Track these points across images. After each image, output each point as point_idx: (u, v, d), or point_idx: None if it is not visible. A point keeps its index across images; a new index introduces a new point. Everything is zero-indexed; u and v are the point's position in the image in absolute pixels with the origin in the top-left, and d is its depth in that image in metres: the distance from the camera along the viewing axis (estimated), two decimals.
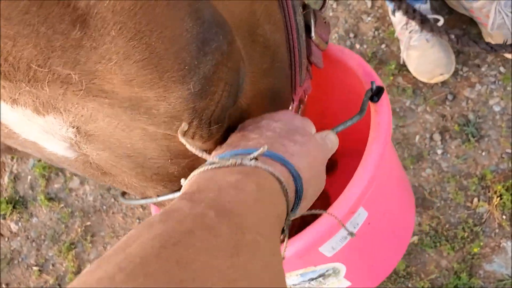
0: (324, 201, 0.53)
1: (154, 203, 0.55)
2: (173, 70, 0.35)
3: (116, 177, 0.50)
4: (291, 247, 0.56)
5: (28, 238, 1.52)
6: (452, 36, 1.14)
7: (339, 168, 0.82)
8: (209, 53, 0.37)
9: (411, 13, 1.14)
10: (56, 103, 0.37)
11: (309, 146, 0.46)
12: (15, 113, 0.38)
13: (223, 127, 0.44)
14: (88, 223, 1.49)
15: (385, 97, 0.62)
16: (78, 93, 0.35)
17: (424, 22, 1.13)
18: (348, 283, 0.69)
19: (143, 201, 0.55)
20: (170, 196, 0.52)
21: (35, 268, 1.49)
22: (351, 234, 0.53)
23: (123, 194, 0.63)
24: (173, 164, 0.48)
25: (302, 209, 0.46)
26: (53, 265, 1.49)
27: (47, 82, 0.34)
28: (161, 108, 0.38)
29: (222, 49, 0.38)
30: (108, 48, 0.32)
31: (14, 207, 1.54)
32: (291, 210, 0.43)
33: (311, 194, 0.46)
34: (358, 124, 0.58)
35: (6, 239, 1.54)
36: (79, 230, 1.48)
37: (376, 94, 0.61)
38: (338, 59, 0.70)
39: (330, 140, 0.51)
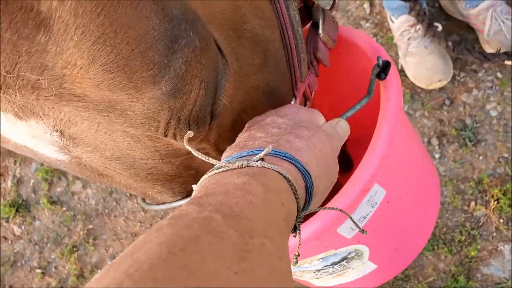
0: (337, 185, 0.51)
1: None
2: (142, 70, 0.35)
3: (113, 178, 0.50)
4: (308, 228, 0.54)
5: (31, 241, 1.53)
6: (450, 44, 1.16)
7: (352, 154, 0.78)
8: (179, 50, 0.36)
9: (422, 15, 1.15)
10: (33, 108, 0.37)
11: (315, 139, 0.45)
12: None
13: (205, 126, 0.43)
14: (90, 226, 1.50)
15: (393, 72, 0.59)
16: (50, 98, 0.35)
17: (430, 26, 1.14)
18: (374, 266, 0.67)
19: (163, 206, 0.54)
20: (183, 202, 0.52)
21: (38, 270, 1.50)
22: (357, 227, 0.51)
23: (144, 198, 0.62)
24: (165, 163, 0.47)
25: (315, 205, 0.45)
26: (55, 267, 1.50)
27: (18, 88, 0.34)
28: (136, 110, 0.38)
29: (193, 46, 0.37)
30: (72, 53, 0.32)
31: (17, 210, 1.55)
32: (303, 207, 0.42)
33: (322, 188, 0.45)
34: (370, 109, 0.57)
35: (9, 242, 1.55)
36: (81, 233, 1.50)
37: (383, 70, 0.59)
38: (345, 38, 0.69)
39: (341, 128, 0.50)
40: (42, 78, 0.33)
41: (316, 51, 0.60)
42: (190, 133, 0.41)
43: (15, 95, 0.34)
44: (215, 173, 0.40)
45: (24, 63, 0.32)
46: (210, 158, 0.40)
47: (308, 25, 0.64)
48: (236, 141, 0.46)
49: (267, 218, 0.35)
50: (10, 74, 0.32)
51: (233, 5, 0.44)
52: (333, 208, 0.48)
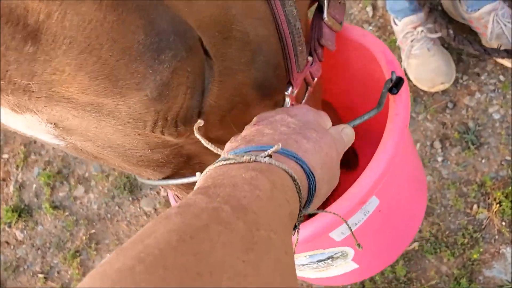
0: (337, 188, 0.53)
1: (175, 185, 0.55)
2: (126, 78, 0.36)
3: (108, 161, 0.52)
4: (302, 232, 0.55)
5: (33, 246, 1.53)
6: (451, 32, 1.14)
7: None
8: (166, 61, 0.37)
9: None
10: (28, 105, 0.39)
11: (322, 143, 0.46)
12: None
13: (192, 125, 0.44)
14: (93, 231, 1.50)
15: (404, 88, 0.60)
16: (41, 99, 0.37)
17: (431, 11, 1.11)
18: (356, 266, 0.69)
19: (161, 182, 0.55)
20: (185, 180, 0.53)
21: (40, 275, 1.50)
22: (353, 235, 0.52)
23: None
24: (155, 153, 0.48)
25: (315, 206, 0.46)
26: (58, 272, 1.50)
27: (10, 91, 0.36)
28: (122, 111, 0.39)
29: (179, 57, 0.39)
30: (61, 60, 0.34)
31: (19, 215, 1.55)
32: (303, 207, 0.43)
33: (324, 192, 0.46)
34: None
35: (12, 247, 1.55)
36: (84, 238, 1.50)
37: (395, 85, 0.59)
38: (361, 44, 0.69)
39: (346, 134, 0.51)
40: (32, 83, 0.35)
41: (320, 37, 0.60)
42: (200, 122, 0.42)
43: (9, 96, 0.37)
44: (222, 165, 0.40)
45: (14, 70, 0.34)
46: (219, 149, 0.41)
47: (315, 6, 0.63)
48: (242, 133, 0.47)
49: (273, 213, 0.35)
50: (2, 80, 0.35)
51: (223, 7, 0.44)
52: (332, 213, 0.49)
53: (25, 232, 1.55)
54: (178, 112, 0.42)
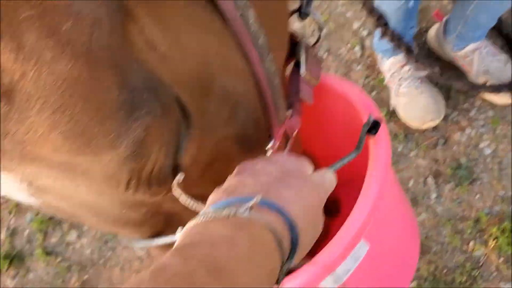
0: (324, 234, 0.52)
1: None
2: (100, 137, 0.36)
3: (84, 221, 0.51)
4: (290, 283, 0.54)
5: None
6: (436, 70, 1.16)
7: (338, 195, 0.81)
8: (139, 118, 0.37)
9: (397, 40, 1.13)
10: (1, 164, 0.39)
11: (304, 190, 0.45)
12: None
13: (166, 184, 0.44)
14: (86, 276, 1.47)
15: (383, 129, 0.61)
16: (15, 158, 0.37)
17: (409, 52, 1.11)
18: None
19: (141, 244, 0.54)
20: (165, 239, 0.52)
21: None
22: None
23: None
24: (131, 212, 0.48)
25: (300, 257, 0.45)
26: None
27: None
28: (96, 171, 0.39)
29: (153, 114, 0.38)
30: (34, 121, 0.34)
31: (11, 262, 1.52)
32: (287, 259, 0.42)
33: (308, 240, 0.46)
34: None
35: None
36: (76, 284, 1.47)
37: (374, 127, 0.60)
38: (338, 92, 0.70)
39: (328, 179, 0.51)
40: (6, 142, 0.35)
41: (299, 92, 0.61)
42: (181, 176, 0.41)
43: None
44: (201, 221, 0.40)
45: None
46: (197, 205, 0.41)
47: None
48: (224, 185, 0.47)
49: (252, 272, 0.35)
50: None
51: (201, 64, 0.45)
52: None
53: (16, 279, 1.52)
54: (151, 171, 0.41)
